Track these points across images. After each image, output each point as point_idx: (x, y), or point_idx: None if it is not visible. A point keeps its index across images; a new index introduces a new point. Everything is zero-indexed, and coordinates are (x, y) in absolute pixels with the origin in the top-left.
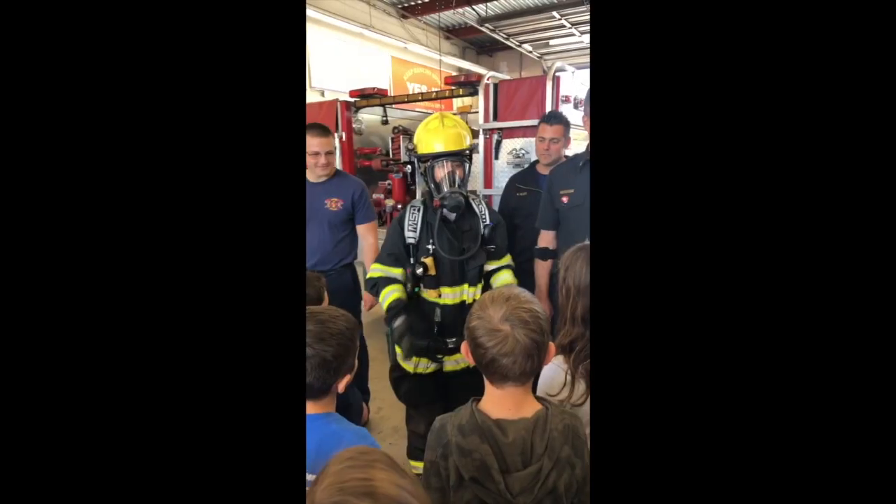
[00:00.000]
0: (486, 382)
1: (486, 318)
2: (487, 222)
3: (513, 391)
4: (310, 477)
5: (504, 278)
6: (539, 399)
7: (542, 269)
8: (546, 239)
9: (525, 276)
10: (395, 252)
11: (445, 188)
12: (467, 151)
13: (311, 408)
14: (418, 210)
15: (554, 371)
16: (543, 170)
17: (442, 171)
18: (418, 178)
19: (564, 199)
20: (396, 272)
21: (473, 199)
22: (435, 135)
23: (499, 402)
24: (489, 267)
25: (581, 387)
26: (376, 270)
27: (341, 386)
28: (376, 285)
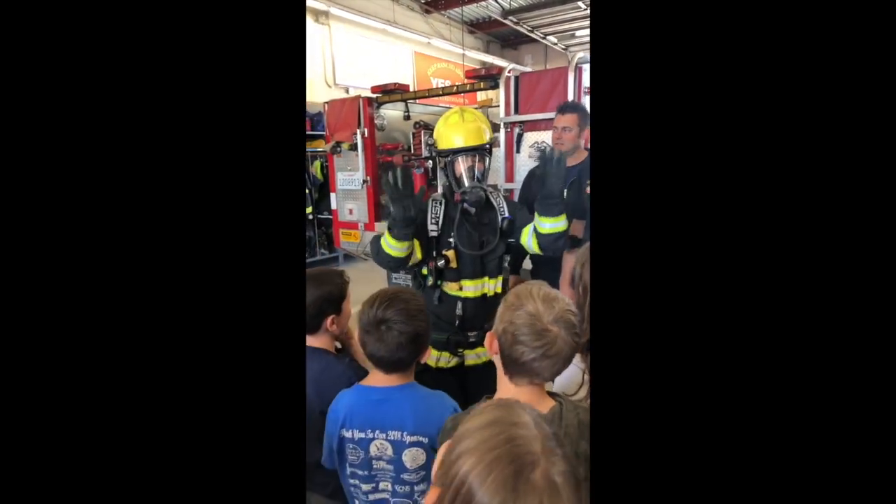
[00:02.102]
0: (501, 379)
1: (536, 316)
2: (506, 215)
3: (530, 388)
4: (412, 438)
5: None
6: (551, 394)
7: (569, 256)
8: (576, 227)
9: (547, 270)
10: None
11: (466, 183)
12: (487, 146)
13: (398, 379)
14: (440, 204)
15: (570, 370)
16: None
17: (462, 166)
18: (439, 173)
19: (587, 191)
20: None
21: (491, 193)
22: (455, 130)
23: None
24: (524, 239)
25: None
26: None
27: (424, 358)
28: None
